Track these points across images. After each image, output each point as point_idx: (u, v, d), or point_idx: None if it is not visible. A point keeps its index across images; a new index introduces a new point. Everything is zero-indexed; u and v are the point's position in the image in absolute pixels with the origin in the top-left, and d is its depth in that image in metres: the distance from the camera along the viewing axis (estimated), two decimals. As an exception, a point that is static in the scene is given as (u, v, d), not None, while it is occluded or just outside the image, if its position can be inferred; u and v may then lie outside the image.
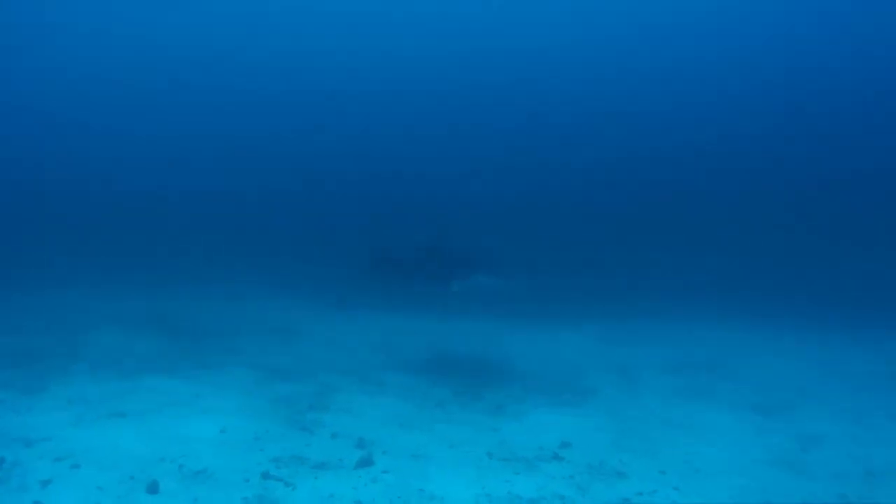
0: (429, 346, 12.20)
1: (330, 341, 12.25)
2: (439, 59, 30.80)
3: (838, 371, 11.59)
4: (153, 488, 5.34)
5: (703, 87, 29.63)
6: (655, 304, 15.79)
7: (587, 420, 8.13)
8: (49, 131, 31.29)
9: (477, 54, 30.36)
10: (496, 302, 11.12)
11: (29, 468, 5.75)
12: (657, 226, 23.98)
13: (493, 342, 12.81)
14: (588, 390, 9.57)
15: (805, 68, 28.03)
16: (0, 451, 6.04)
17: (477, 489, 5.84)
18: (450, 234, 11.34)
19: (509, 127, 30.30)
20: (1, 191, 26.08)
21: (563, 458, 6.73)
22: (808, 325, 15.27)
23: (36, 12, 29.30)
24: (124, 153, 30.67)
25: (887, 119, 27.53)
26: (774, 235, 22.69)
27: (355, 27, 30.39)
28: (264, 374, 9.66)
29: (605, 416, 8.37)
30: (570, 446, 7.08)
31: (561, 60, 30.15)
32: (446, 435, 7.32)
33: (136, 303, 14.68)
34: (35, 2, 29.07)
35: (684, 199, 25.74)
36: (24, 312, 13.23)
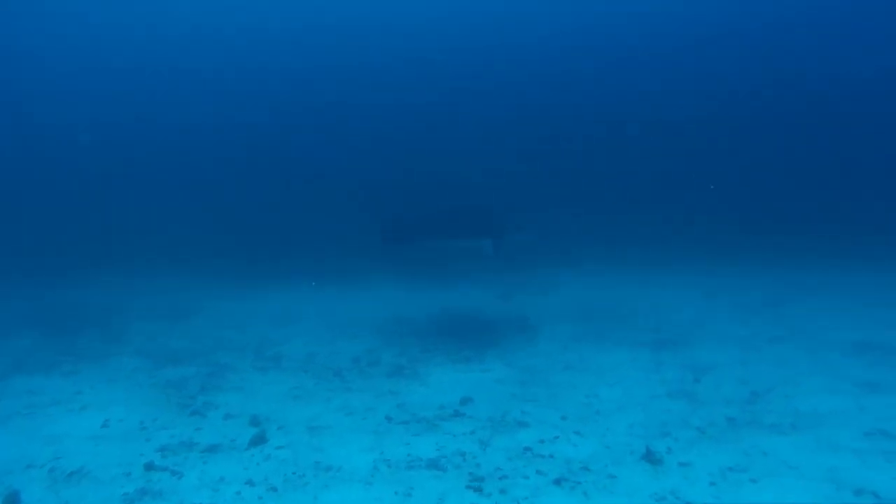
0: (326, 315, 11.90)
1: (223, 320, 11.75)
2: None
3: (724, 303, 12.12)
4: (12, 500, 4.85)
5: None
6: (552, 256, 16.02)
7: (488, 374, 8.09)
8: None
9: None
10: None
11: None
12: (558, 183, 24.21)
13: (393, 305, 12.65)
14: (488, 344, 9.56)
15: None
16: None
17: (374, 455, 5.67)
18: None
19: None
20: None
21: (465, 415, 6.65)
22: (695, 264, 15.94)
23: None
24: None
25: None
26: (659, 181, 23.40)
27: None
28: (153, 360, 9.13)
29: (506, 368, 8.36)
30: (472, 402, 7.01)
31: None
32: (344, 404, 7.10)
33: (11, 300, 13.64)
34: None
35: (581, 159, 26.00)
36: None
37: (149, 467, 5.49)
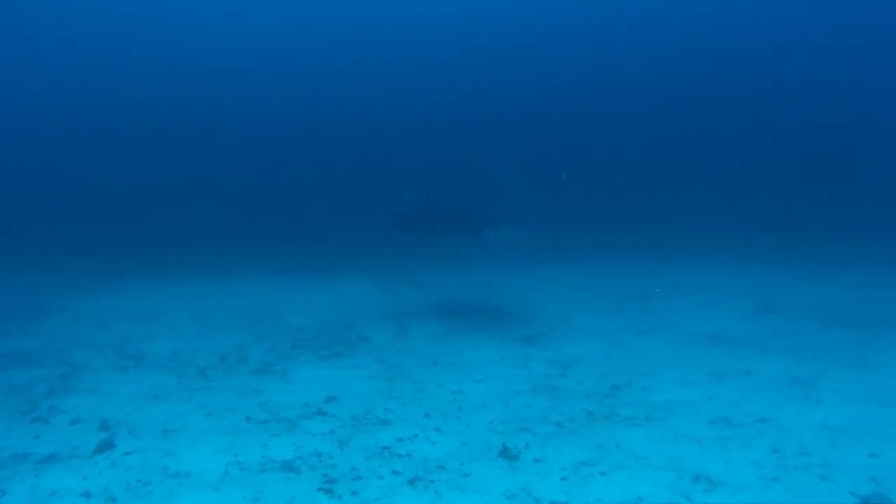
0: (196, 310, 11.44)
1: (85, 318, 11.05)
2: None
3: (594, 298, 12.54)
4: None
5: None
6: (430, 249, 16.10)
7: (356, 371, 7.99)
8: None
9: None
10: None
11: None
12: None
13: (267, 299, 12.32)
14: (359, 339, 9.46)
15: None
16: None
17: (228, 458, 5.45)
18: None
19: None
20: None
21: (327, 413, 6.52)
22: (569, 259, 16.44)
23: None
24: None
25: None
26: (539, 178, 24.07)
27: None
28: (-4, 362, 8.46)
29: (375, 364, 8.28)
30: (336, 400, 6.89)
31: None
32: (204, 403, 6.81)
33: None
34: None
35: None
36: None
37: (-33, 486, 5.03)
